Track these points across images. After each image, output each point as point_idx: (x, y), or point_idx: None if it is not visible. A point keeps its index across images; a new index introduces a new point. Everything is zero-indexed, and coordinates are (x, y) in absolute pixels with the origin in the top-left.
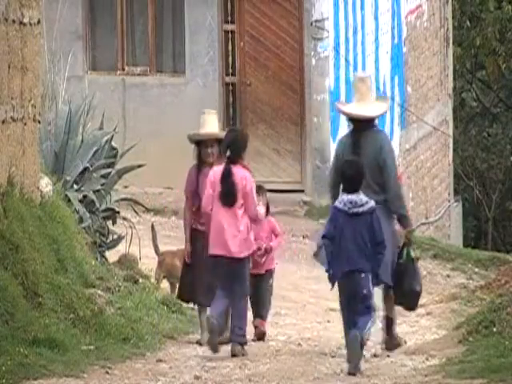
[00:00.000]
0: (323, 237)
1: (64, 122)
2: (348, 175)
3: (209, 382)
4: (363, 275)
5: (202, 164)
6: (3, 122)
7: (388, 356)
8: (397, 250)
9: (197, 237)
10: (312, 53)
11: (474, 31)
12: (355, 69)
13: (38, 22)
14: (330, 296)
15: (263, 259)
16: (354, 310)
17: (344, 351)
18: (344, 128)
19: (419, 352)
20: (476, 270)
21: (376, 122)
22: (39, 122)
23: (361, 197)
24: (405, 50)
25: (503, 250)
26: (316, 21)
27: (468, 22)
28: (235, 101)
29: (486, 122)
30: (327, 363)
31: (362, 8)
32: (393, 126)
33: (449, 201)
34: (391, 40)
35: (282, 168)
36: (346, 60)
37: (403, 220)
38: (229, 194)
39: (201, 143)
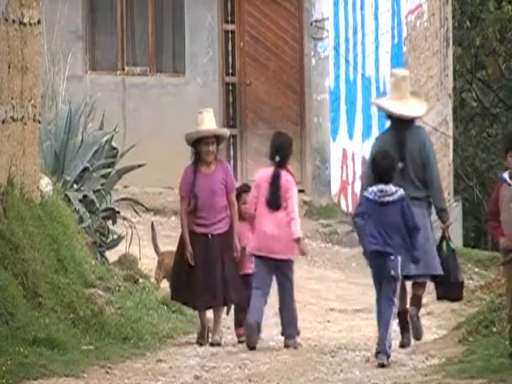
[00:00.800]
0: (355, 215)
1: (64, 122)
2: (381, 166)
3: (209, 381)
4: (392, 257)
5: (200, 163)
6: (3, 121)
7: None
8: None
9: (193, 238)
10: (312, 53)
11: (474, 31)
12: (355, 69)
13: (38, 21)
14: (330, 296)
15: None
16: (383, 293)
17: (344, 351)
18: (344, 128)
19: (419, 352)
20: (476, 269)
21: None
22: (39, 121)
23: (391, 186)
24: (405, 49)
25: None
26: (316, 21)
27: (468, 22)
28: (235, 101)
29: (486, 122)
30: (327, 363)
31: (362, 8)
32: None
33: (449, 201)
34: (391, 40)
35: None
36: (346, 60)
37: (443, 214)
38: (275, 198)
39: (200, 142)
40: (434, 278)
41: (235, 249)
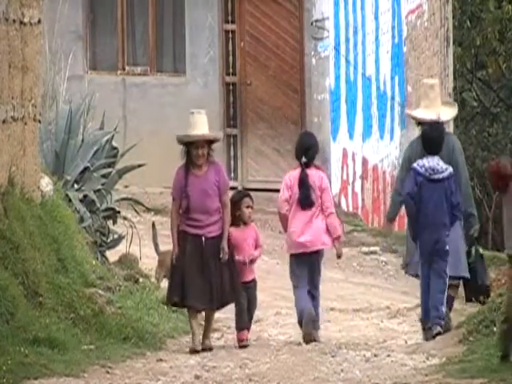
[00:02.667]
0: (407, 194)
1: (64, 122)
2: (429, 137)
3: (209, 381)
4: (446, 233)
5: (191, 165)
6: (4, 121)
7: (388, 355)
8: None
9: (186, 239)
10: (312, 52)
11: (474, 31)
12: (355, 69)
13: (39, 21)
14: (331, 296)
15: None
16: (435, 267)
17: (344, 351)
18: (344, 128)
19: (419, 351)
20: None
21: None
22: (39, 121)
23: (440, 163)
24: (405, 49)
25: (503, 249)
26: (316, 20)
27: (468, 22)
28: (235, 100)
29: (486, 121)
30: (327, 363)
31: (363, 8)
32: (393, 126)
33: None
34: (391, 40)
35: (283, 168)
36: (347, 60)
37: (471, 219)
38: (307, 198)
39: (191, 144)
40: (463, 280)
41: (222, 250)
